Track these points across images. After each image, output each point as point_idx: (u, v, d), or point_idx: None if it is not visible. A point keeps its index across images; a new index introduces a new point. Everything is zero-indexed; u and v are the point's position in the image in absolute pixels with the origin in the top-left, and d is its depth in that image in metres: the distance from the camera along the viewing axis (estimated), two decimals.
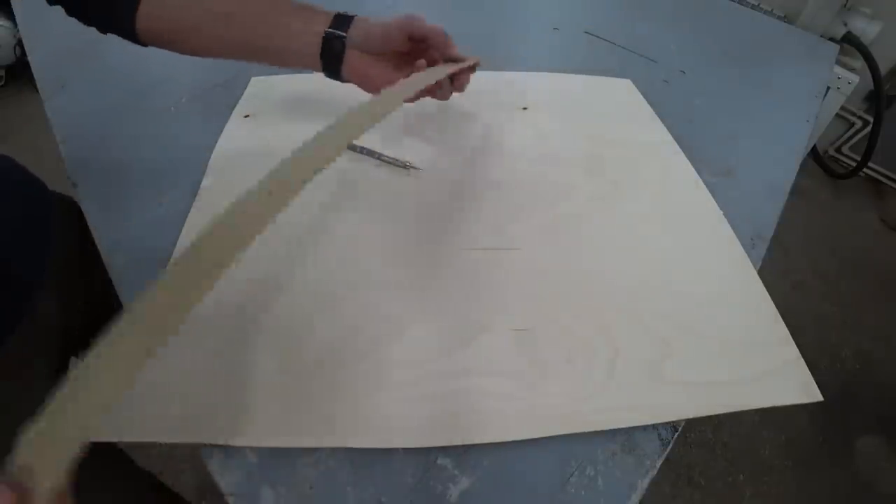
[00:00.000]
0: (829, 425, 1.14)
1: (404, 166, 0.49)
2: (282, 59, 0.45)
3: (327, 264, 0.41)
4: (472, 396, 0.34)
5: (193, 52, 0.44)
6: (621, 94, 0.64)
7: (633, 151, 0.54)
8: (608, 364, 0.36)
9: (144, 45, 0.44)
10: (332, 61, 0.44)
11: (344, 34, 0.42)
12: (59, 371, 0.47)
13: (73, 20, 0.42)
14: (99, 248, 0.42)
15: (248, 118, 0.54)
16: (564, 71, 0.66)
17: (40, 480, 0.18)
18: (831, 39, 0.97)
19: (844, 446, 1.12)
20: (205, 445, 0.31)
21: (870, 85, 1.20)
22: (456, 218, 0.46)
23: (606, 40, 0.76)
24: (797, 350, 0.38)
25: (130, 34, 0.42)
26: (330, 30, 0.43)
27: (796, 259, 1.49)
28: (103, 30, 0.43)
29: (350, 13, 0.44)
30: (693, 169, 0.53)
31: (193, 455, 0.31)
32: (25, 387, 0.41)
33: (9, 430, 0.41)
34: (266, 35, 0.42)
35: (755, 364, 0.37)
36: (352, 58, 0.43)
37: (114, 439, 0.31)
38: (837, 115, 1.24)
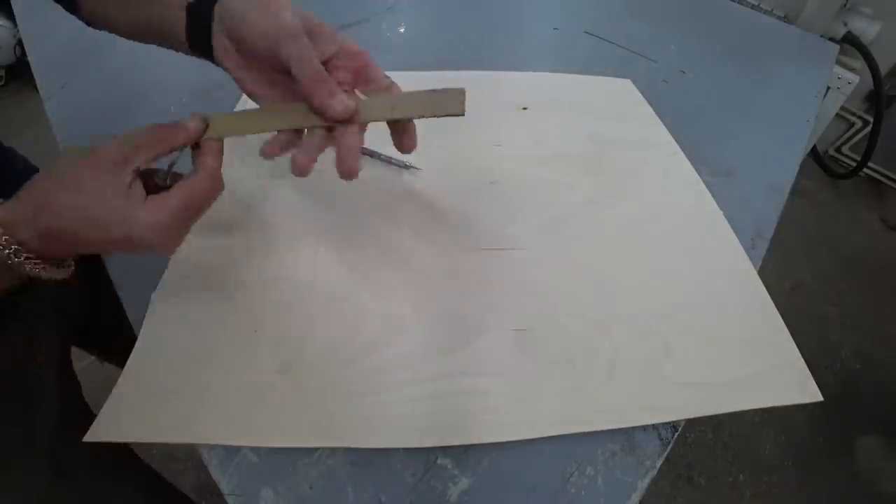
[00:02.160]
0: (829, 425, 1.14)
1: (404, 166, 0.49)
2: (165, 38, 0.37)
3: (327, 264, 0.41)
4: (473, 396, 0.34)
5: (123, 34, 0.40)
6: (621, 94, 0.64)
7: (633, 151, 0.54)
8: (608, 364, 0.36)
9: (92, 26, 0.41)
10: (199, 41, 0.35)
11: (209, 7, 0.33)
12: (61, 358, 0.47)
13: (74, 20, 0.42)
14: None
15: None
16: (564, 71, 0.66)
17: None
18: (831, 39, 0.97)
19: (844, 446, 1.12)
20: (205, 445, 0.31)
21: (870, 85, 1.20)
22: (456, 218, 0.46)
23: (606, 40, 0.76)
24: (797, 350, 0.38)
25: (80, 14, 0.40)
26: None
27: (796, 259, 1.49)
28: (67, 8, 0.40)
29: None
30: (693, 169, 0.53)
31: (193, 455, 0.31)
32: (32, 370, 0.42)
33: (19, 414, 0.41)
34: (155, 14, 0.36)
35: (755, 364, 0.37)
36: (221, 45, 0.34)
37: (114, 439, 0.31)
38: (837, 115, 1.23)
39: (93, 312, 0.52)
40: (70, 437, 0.41)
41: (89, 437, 0.31)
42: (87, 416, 0.48)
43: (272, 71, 0.33)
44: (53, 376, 0.45)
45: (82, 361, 0.56)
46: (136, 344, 0.35)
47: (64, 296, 0.46)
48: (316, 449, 0.32)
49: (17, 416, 0.41)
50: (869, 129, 1.50)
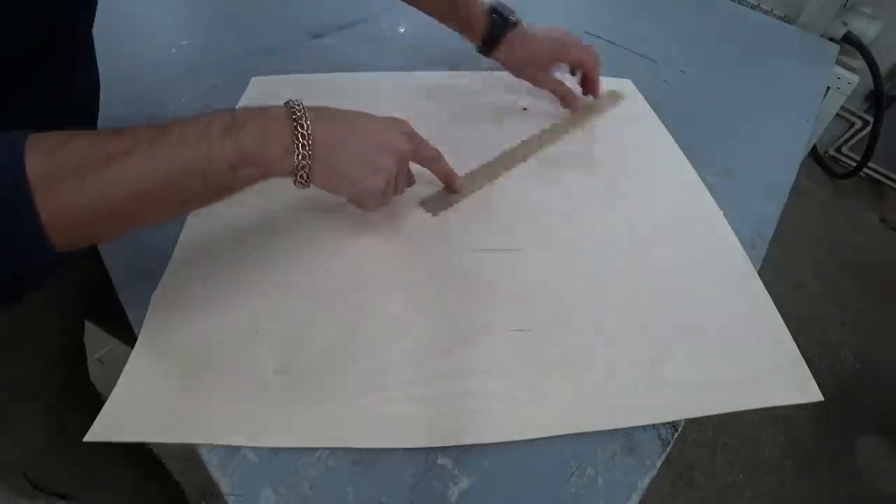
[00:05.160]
0: (829, 425, 1.14)
1: None
2: (461, 23, 0.54)
3: (328, 264, 0.41)
4: (473, 397, 0.34)
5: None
6: (621, 94, 0.64)
7: (633, 151, 0.54)
8: (608, 364, 0.36)
9: None
10: (493, 37, 0.53)
11: (512, 19, 0.53)
12: (74, 322, 0.49)
13: None
14: (99, 247, 0.42)
15: None
16: (565, 71, 0.66)
17: None
18: (831, 39, 0.97)
19: (844, 446, 1.12)
20: (205, 445, 0.31)
21: (870, 85, 1.20)
22: (456, 218, 0.46)
23: (606, 40, 0.76)
24: (797, 350, 0.38)
25: None
26: (499, 10, 0.52)
27: (796, 259, 1.49)
28: None
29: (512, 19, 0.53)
30: (693, 169, 0.53)
31: (193, 455, 0.31)
32: (44, 331, 0.44)
33: (27, 370, 0.43)
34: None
35: (755, 364, 0.37)
36: (512, 45, 0.53)
37: (114, 439, 0.31)
38: (837, 115, 1.24)
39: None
40: (71, 399, 0.42)
41: (89, 437, 0.31)
42: (90, 387, 0.49)
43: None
44: (61, 342, 0.47)
45: (89, 358, 0.57)
46: (136, 344, 0.35)
47: (85, 266, 0.47)
48: (316, 449, 0.32)
49: (24, 371, 0.43)
50: (869, 129, 1.51)
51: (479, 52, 0.55)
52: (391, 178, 0.38)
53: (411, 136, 0.39)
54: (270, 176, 0.33)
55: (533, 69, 0.55)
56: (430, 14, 0.54)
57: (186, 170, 0.28)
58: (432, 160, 0.43)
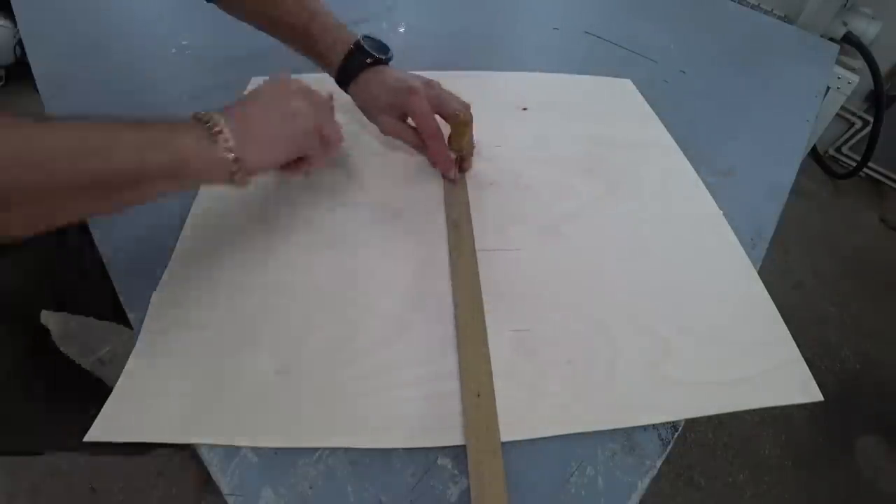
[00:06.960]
0: (829, 425, 1.14)
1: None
2: (316, 57, 0.49)
3: (328, 264, 0.41)
4: None
5: (246, 20, 0.50)
6: (621, 94, 0.64)
7: (633, 151, 0.54)
8: (608, 364, 0.36)
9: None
10: (347, 73, 0.47)
11: (372, 60, 0.46)
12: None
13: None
14: (99, 247, 0.42)
15: None
16: (564, 71, 0.66)
17: None
18: (831, 39, 0.98)
19: (844, 446, 1.12)
20: (205, 445, 0.31)
21: (870, 85, 1.20)
22: None
23: (606, 40, 0.76)
24: (797, 350, 0.38)
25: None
26: (363, 46, 0.46)
27: (796, 259, 1.49)
28: None
29: (381, 58, 0.47)
30: (693, 169, 0.53)
31: (193, 455, 0.31)
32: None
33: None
34: (308, 25, 0.47)
35: (755, 364, 0.37)
36: (363, 84, 0.47)
37: (114, 439, 0.31)
38: (837, 115, 1.24)
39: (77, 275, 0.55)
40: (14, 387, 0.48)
41: (89, 437, 0.31)
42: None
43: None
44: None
45: (89, 357, 0.56)
46: (136, 344, 0.35)
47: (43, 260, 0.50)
48: (316, 449, 0.32)
49: None
50: (869, 129, 1.51)
51: (338, 83, 0.49)
52: (309, 117, 0.39)
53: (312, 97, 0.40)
54: (198, 176, 0.35)
55: (374, 111, 0.48)
56: (284, 43, 0.50)
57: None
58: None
